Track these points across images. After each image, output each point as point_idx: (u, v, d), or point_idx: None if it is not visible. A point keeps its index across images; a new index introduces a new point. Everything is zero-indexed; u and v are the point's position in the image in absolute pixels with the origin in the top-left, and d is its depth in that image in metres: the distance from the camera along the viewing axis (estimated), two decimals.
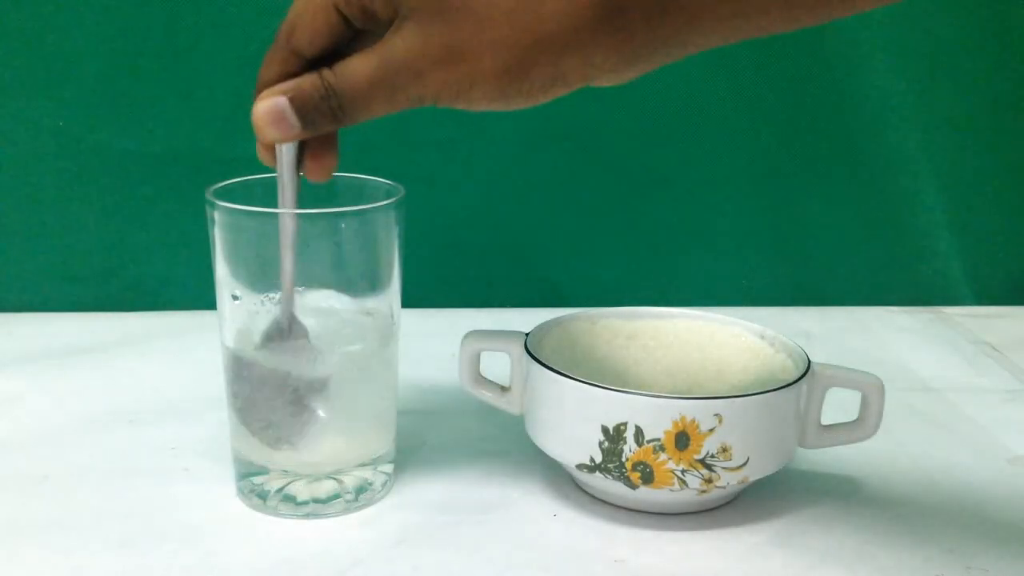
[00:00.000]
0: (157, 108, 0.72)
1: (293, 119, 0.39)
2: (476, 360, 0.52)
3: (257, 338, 0.45)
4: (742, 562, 0.44)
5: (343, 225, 0.44)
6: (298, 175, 0.43)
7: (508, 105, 0.38)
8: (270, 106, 0.39)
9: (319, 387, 0.45)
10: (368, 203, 0.45)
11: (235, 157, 0.71)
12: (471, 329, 0.52)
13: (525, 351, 0.49)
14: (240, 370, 0.46)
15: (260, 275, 0.45)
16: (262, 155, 0.43)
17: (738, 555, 0.45)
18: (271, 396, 0.45)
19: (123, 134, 0.72)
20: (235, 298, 0.46)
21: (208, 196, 0.45)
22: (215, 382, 0.49)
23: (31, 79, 0.71)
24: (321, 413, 0.46)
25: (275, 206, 0.43)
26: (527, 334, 0.51)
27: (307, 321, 0.45)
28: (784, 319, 0.73)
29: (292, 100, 0.39)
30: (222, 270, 0.46)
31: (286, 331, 0.45)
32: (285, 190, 0.43)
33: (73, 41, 0.70)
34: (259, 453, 0.47)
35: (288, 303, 0.44)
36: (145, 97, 0.72)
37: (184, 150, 0.73)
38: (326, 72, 0.38)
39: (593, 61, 0.36)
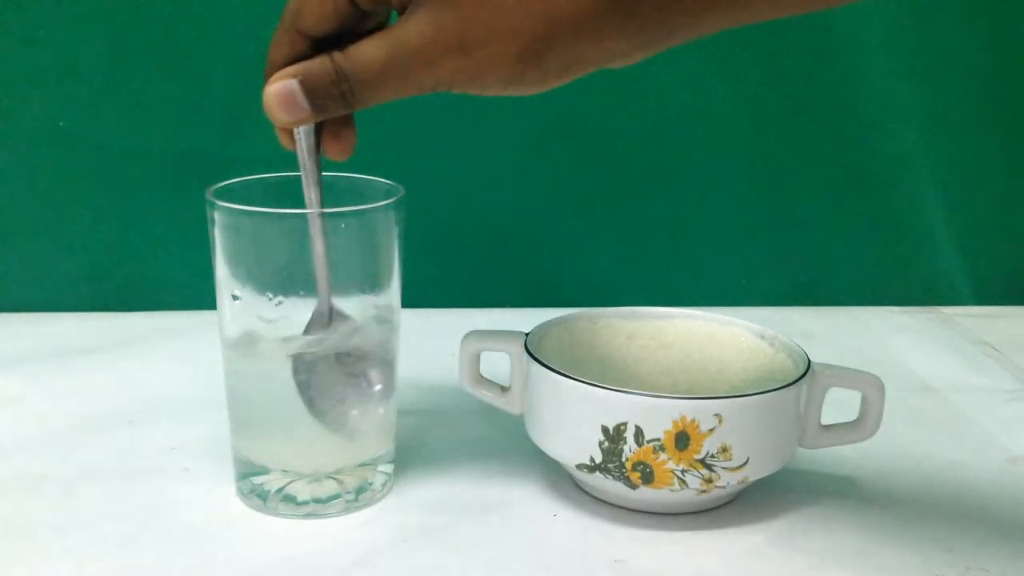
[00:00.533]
0: (157, 108, 0.72)
1: (304, 102, 0.39)
2: (476, 360, 0.52)
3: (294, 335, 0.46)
4: (742, 562, 0.44)
5: (343, 225, 0.44)
6: (319, 157, 0.43)
7: (522, 90, 0.37)
8: (280, 89, 0.39)
9: (378, 361, 0.46)
10: (368, 203, 0.45)
11: (235, 157, 0.72)
12: (471, 329, 0.52)
13: (525, 351, 0.49)
14: (300, 367, 0.46)
15: (260, 275, 0.45)
16: (282, 139, 0.43)
17: (738, 555, 0.45)
18: (336, 380, 0.46)
19: (123, 134, 0.72)
20: (235, 298, 0.46)
21: (208, 196, 0.45)
22: (215, 382, 0.49)
23: (31, 79, 0.71)
24: (378, 386, 0.47)
25: (275, 206, 0.44)
26: (527, 334, 0.51)
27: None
28: (784, 319, 0.73)
29: (302, 83, 0.38)
30: (222, 270, 0.46)
31: (327, 319, 0.45)
32: (307, 174, 0.43)
33: (73, 41, 0.70)
34: (260, 453, 0.47)
35: (325, 291, 0.44)
36: (145, 97, 0.72)
37: (184, 150, 0.73)
38: (337, 55, 0.38)
39: (606, 46, 0.36)
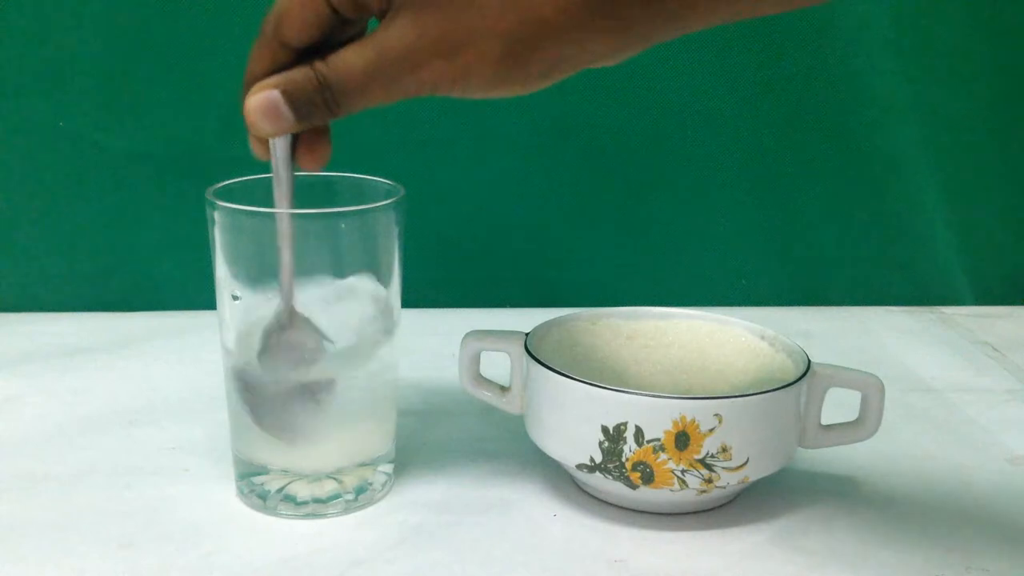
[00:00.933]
0: (157, 108, 0.72)
1: (287, 112, 0.39)
2: (476, 360, 0.52)
3: (257, 340, 0.45)
4: (742, 562, 0.44)
5: (343, 225, 0.44)
6: (293, 167, 0.43)
7: (505, 93, 0.38)
8: (262, 99, 0.39)
9: (327, 382, 0.46)
10: (368, 203, 0.45)
11: (235, 157, 0.71)
12: (471, 329, 0.52)
13: (525, 351, 0.49)
14: (248, 377, 0.46)
15: (260, 275, 0.45)
16: (255, 149, 0.43)
17: (738, 555, 0.45)
18: (285, 396, 0.46)
19: (123, 134, 0.72)
20: (235, 298, 0.46)
21: (208, 196, 0.45)
22: (215, 382, 0.49)
23: (31, 79, 0.71)
24: (330, 402, 0.46)
25: (275, 206, 0.44)
26: (527, 334, 0.51)
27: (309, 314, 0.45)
28: (784, 319, 0.73)
29: (285, 93, 0.39)
30: (222, 270, 0.46)
31: (287, 324, 0.45)
32: (281, 184, 0.43)
33: (73, 41, 0.70)
34: (260, 453, 0.47)
35: (288, 297, 0.44)
36: (145, 97, 0.72)
37: (184, 150, 0.73)
38: (319, 64, 0.38)
39: (590, 47, 0.36)
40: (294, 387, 0.45)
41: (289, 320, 0.45)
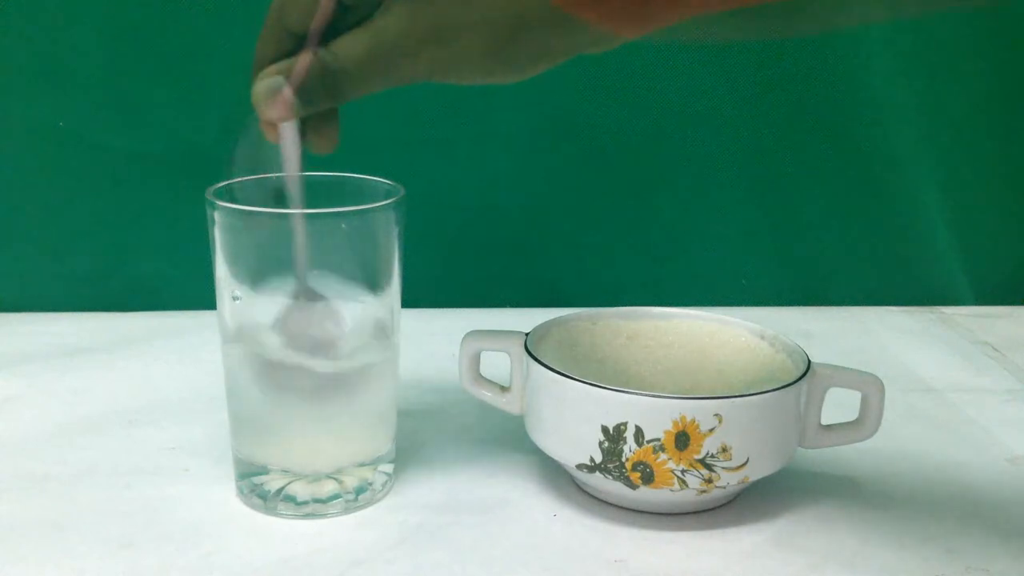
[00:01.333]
0: (157, 108, 0.72)
1: (291, 97, 0.40)
2: (476, 360, 0.52)
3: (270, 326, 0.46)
4: (742, 562, 0.44)
5: (343, 225, 0.44)
6: (301, 151, 0.44)
7: (500, 79, 0.38)
8: (268, 85, 0.40)
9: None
10: (368, 203, 0.45)
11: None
12: (471, 329, 0.52)
13: (525, 351, 0.49)
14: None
15: (260, 275, 0.45)
16: (267, 134, 0.44)
17: (738, 555, 0.45)
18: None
19: (123, 134, 0.72)
20: (235, 298, 0.46)
21: (208, 196, 0.45)
22: (215, 382, 0.49)
23: (31, 79, 0.71)
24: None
25: (276, 206, 0.44)
26: (527, 334, 0.51)
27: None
28: (784, 319, 0.73)
29: (289, 79, 0.40)
30: (222, 270, 0.46)
31: (303, 299, 0.45)
32: (290, 167, 0.44)
33: (73, 41, 0.70)
34: (260, 453, 0.47)
35: (303, 275, 0.45)
36: (145, 97, 0.72)
37: (184, 150, 0.73)
38: (321, 51, 0.39)
39: (579, 34, 0.37)
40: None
41: (306, 295, 0.45)
